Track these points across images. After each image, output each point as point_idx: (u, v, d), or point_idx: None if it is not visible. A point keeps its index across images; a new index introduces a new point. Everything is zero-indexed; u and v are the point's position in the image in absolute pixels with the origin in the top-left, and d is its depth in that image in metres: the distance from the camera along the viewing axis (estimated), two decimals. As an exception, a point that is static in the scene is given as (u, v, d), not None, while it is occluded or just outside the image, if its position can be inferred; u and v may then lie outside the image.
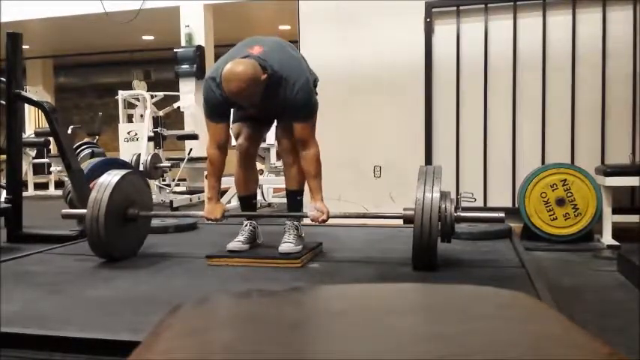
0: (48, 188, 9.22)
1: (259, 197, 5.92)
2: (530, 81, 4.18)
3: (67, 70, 13.50)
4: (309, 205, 2.85)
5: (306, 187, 2.89)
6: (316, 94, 2.85)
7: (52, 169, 8.75)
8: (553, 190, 3.76)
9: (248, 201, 3.05)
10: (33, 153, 8.47)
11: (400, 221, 2.68)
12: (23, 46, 4.14)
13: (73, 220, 3.74)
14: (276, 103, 2.64)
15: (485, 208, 4.16)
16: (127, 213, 2.88)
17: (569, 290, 2.73)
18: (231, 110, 2.85)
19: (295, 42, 4.61)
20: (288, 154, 2.87)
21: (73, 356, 1.68)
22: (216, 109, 2.70)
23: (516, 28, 4.18)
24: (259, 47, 2.63)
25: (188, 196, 7.10)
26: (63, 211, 3.08)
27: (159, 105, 7.83)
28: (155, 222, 3.76)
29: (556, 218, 3.76)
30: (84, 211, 2.82)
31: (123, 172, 2.94)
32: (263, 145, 5.05)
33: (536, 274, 2.47)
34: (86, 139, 8.50)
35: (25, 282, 2.47)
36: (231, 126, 2.91)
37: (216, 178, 2.83)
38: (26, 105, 4.81)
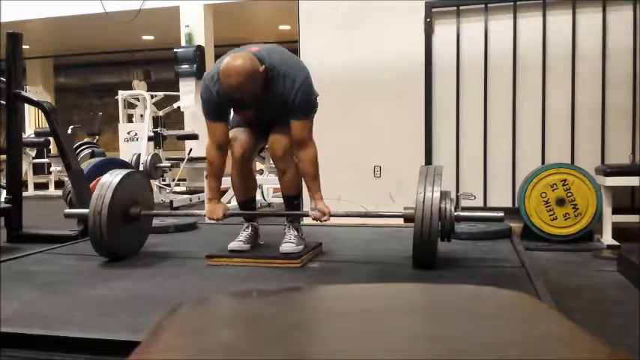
0: (48, 188, 9.22)
1: (259, 197, 5.93)
2: (530, 81, 4.18)
3: (67, 70, 13.50)
4: (309, 205, 2.84)
5: (305, 188, 2.88)
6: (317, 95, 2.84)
7: (52, 169, 8.76)
8: (553, 190, 3.76)
9: (247, 205, 3.02)
10: (33, 153, 8.47)
11: (400, 221, 2.69)
12: (23, 46, 4.14)
13: (74, 220, 3.74)
14: (276, 100, 2.64)
15: (485, 208, 4.16)
16: (129, 212, 2.89)
17: (569, 290, 2.73)
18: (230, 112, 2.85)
19: (295, 42, 4.64)
20: (281, 162, 2.81)
21: (72, 356, 1.68)
22: (214, 108, 2.70)
23: (516, 28, 4.18)
24: (256, 47, 2.65)
25: (188, 196, 7.10)
26: (66, 210, 3.09)
27: (159, 105, 7.83)
28: (155, 222, 3.76)
29: (556, 218, 3.76)
30: (86, 210, 2.82)
31: (125, 171, 2.95)
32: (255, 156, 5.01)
33: (536, 274, 2.47)
34: (86, 139, 8.52)
35: (25, 282, 2.47)
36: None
37: (216, 179, 2.82)
38: (26, 105, 4.82)
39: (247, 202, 3.02)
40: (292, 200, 2.95)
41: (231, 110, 2.95)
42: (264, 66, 2.53)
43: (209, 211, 2.82)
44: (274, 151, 2.78)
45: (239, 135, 2.83)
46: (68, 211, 3.12)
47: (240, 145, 2.81)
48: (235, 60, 2.47)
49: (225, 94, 2.56)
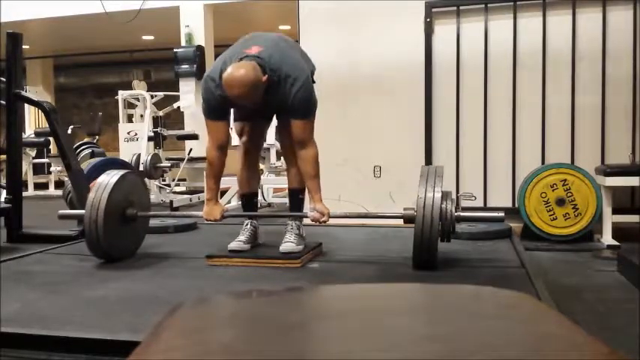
0: (48, 188, 9.22)
1: (259, 197, 5.93)
2: (530, 81, 4.17)
3: (67, 70, 13.50)
4: (309, 205, 2.84)
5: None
6: (314, 82, 2.82)
7: (52, 169, 8.75)
8: (553, 190, 3.76)
9: (250, 199, 3.06)
10: (33, 153, 8.48)
11: (400, 221, 2.69)
12: (23, 46, 4.14)
13: (73, 220, 3.74)
14: (276, 101, 2.64)
15: (485, 208, 4.16)
16: (125, 213, 2.88)
17: (569, 290, 2.73)
18: (231, 110, 2.87)
19: (295, 42, 4.62)
20: (290, 153, 2.87)
21: (72, 356, 1.68)
22: (215, 109, 2.71)
23: (516, 28, 4.18)
24: (257, 47, 2.62)
25: (188, 196, 7.10)
26: (60, 211, 3.05)
27: (159, 105, 7.83)
28: (155, 222, 3.76)
29: (556, 218, 3.76)
30: (81, 211, 2.81)
31: (121, 172, 2.93)
32: (263, 144, 5.05)
33: (536, 274, 2.47)
34: (86, 139, 8.51)
35: (25, 282, 2.47)
36: (232, 125, 2.92)
37: (215, 180, 2.83)
38: (26, 105, 4.81)
39: (250, 196, 3.06)
40: (297, 194, 2.98)
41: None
42: (266, 75, 2.54)
43: (206, 212, 2.83)
44: (284, 142, 2.90)
45: (245, 127, 2.96)
46: (63, 212, 3.07)
47: (248, 137, 2.95)
48: (238, 70, 2.48)
49: (227, 97, 2.58)
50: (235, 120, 2.98)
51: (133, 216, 2.90)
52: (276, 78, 2.59)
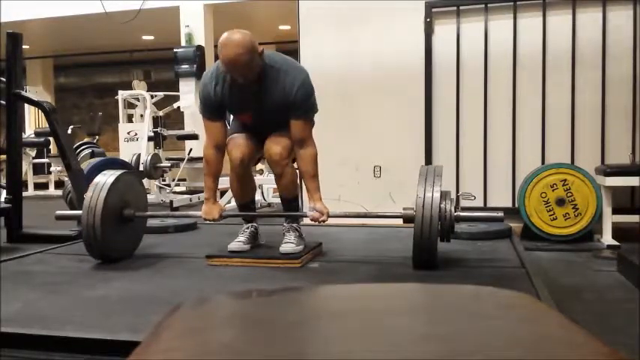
0: (48, 188, 9.22)
1: (259, 197, 5.93)
2: (530, 81, 4.17)
3: (67, 70, 13.50)
4: (308, 205, 2.84)
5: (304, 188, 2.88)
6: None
7: (52, 169, 8.75)
8: (553, 190, 3.76)
9: (246, 206, 3.01)
10: (33, 153, 8.47)
11: (400, 221, 2.69)
12: (23, 46, 4.14)
13: (73, 220, 3.74)
14: (276, 100, 2.65)
15: (485, 208, 4.16)
16: (122, 214, 2.87)
17: (569, 290, 2.73)
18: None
19: (295, 42, 4.64)
20: (276, 166, 2.79)
21: (72, 356, 1.68)
22: (212, 107, 2.72)
23: (516, 28, 4.18)
24: None
25: (188, 196, 7.10)
26: (57, 212, 3.03)
27: (159, 105, 7.83)
28: (155, 222, 3.76)
29: (556, 218, 3.76)
30: (79, 212, 2.81)
31: (118, 172, 2.91)
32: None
33: (536, 274, 2.47)
34: (86, 139, 8.51)
35: (25, 282, 2.47)
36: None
37: (213, 178, 2.81)
38: (26, 105, 4.81)
39: (246, 204, 3.02)
40: (290, 202, 2.94)
41: (231, 116, 2.98)
42: (262, 49, 2.56)
43: (205, 211, 2.82)
44: (270, 155, 2.78)
45: (238, 141, 2.81)
46: (60, 212, 3.04)
47: (240, 151, 2.79)
48: (235, 34, 2.52)
49: (222, 95, 2.58)
50: (229, 134, 2.84)
51: (130, 216, 2.89)
52: (275, 72, 2.62)
